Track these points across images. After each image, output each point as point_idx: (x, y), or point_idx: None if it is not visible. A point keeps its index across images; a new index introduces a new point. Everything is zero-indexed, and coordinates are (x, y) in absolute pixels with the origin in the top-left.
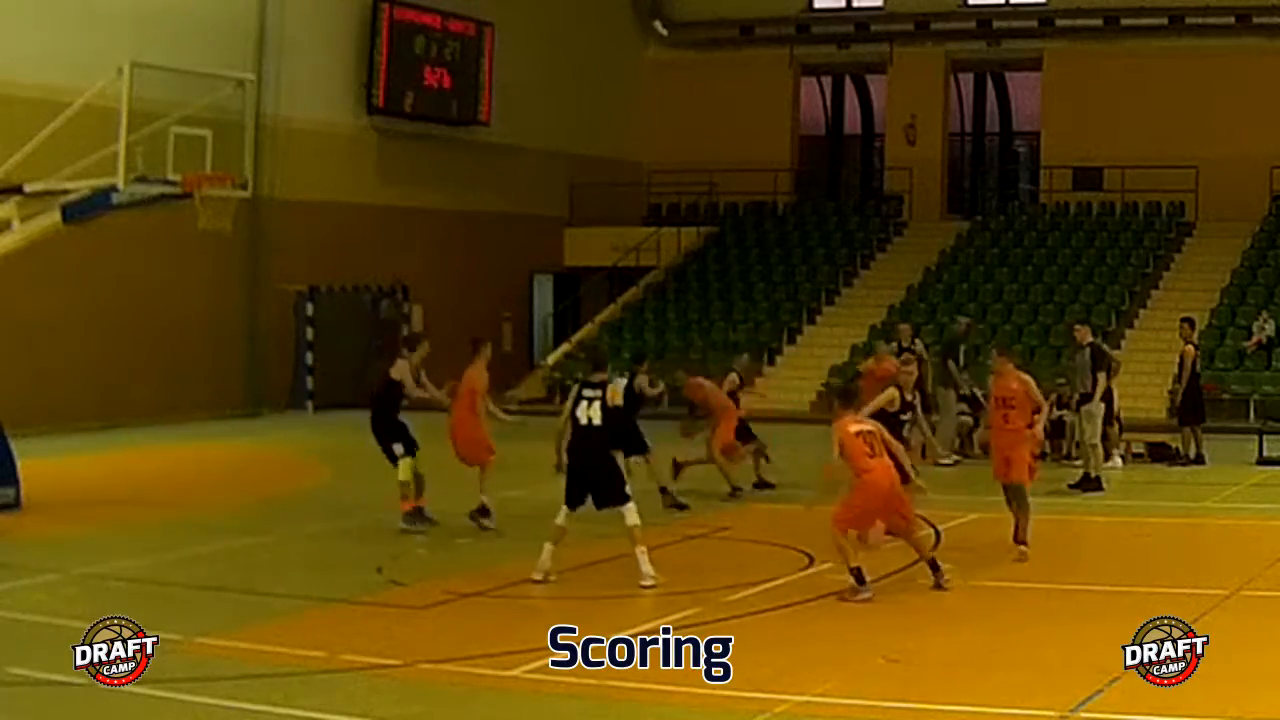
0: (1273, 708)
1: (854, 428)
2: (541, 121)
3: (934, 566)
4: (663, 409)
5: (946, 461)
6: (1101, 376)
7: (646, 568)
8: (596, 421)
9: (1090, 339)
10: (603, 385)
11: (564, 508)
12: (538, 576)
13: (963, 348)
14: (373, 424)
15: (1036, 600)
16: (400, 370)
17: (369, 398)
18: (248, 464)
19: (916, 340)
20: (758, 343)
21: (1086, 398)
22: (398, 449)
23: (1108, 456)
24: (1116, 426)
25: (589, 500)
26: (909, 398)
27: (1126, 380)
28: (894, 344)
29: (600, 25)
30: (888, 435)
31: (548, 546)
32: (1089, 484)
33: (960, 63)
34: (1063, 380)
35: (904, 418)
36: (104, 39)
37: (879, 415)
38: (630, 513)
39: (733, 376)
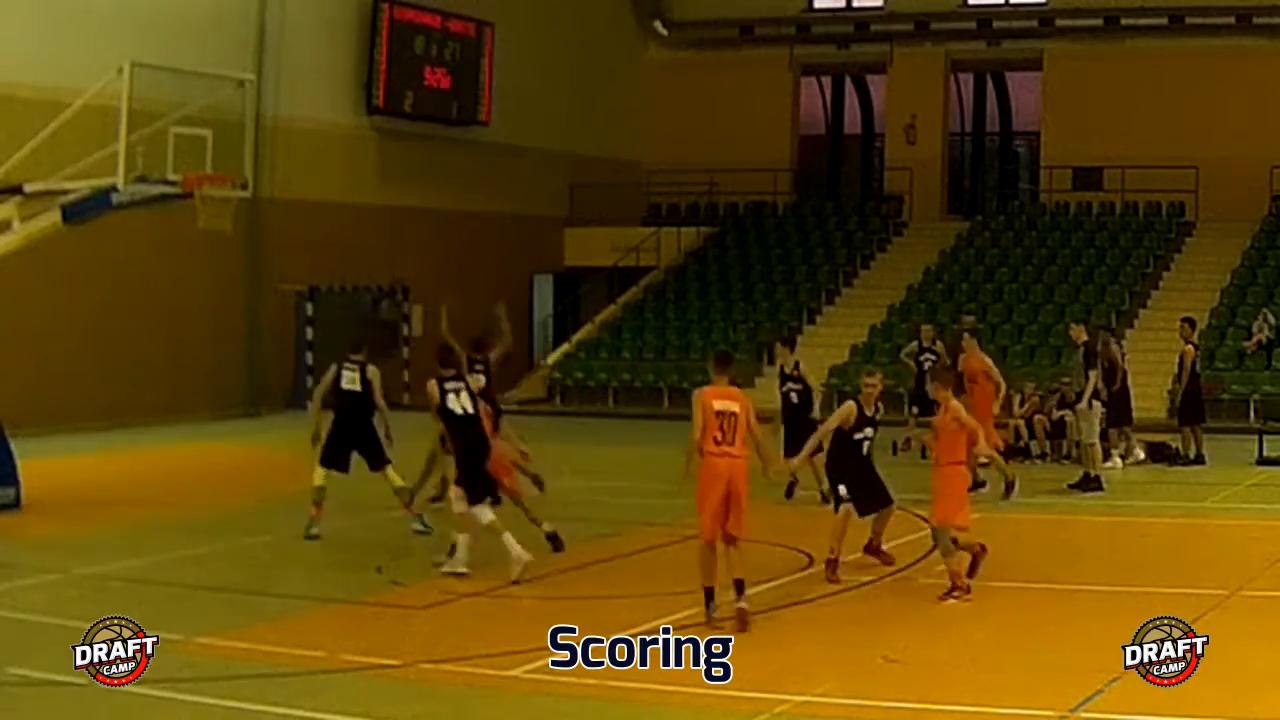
0: (1273, 708)
1: (716, 403)
2: (541, 121)
3: (739, 588)
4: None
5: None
6: (1094, 375)
7: (517, 550)
8: (471, 410)
9: (1085, 338)
10: (459, 377)
11: (462, 493)
12: (463, 570)
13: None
14: (361, 427)
15: (1036, 600)
16: (375, 374)
17: (354, 398)
18: (248, 464)
19: (939, 341)
20: (758, 343)
21: (1080, 397)
22: (389, 454)
23: (1107, 456)
24: (1119, 428)
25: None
26: (869, 412)
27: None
28: (914, 343)
29: (600, 25)
30: (753, 421)
31: (464, 539)
32: (1089, 484)
33: (960, 63)
34: (1066, 380)
35: (859, 436)
36: (104, 39)
37: (836, 434)
38: (486, 511)
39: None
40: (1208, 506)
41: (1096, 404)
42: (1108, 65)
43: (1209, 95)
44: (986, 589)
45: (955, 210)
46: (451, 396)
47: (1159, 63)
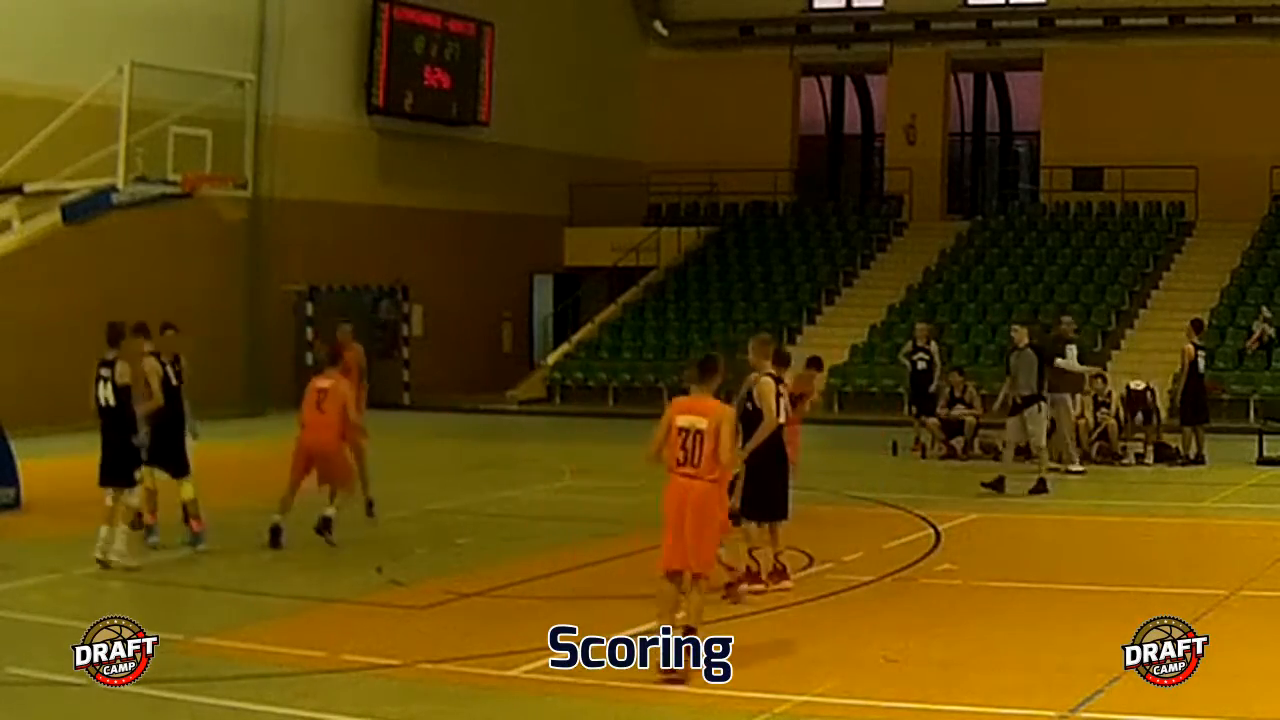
0: (1273, 708)
1: (680, 418)
2: (541, 121)
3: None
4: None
5: (1076, 469)
6: (1047, 377)
7: (120, 545)
8: (112, 402)
9: (1025, 342)
10: (113, 364)
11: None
12: (128, 561)
13: (1074, 348)
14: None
15: (1036, 600)
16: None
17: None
18: (248, 464)
19: (934, 342)
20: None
21: (1030, 400)
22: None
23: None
24: (1154, 422)
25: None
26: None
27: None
28: (910, 341)
29: (600, 25)
30: (726, 441)
31: (124, 529)
32: (1038, 487)
33: (960, 63)
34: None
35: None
36: (104, 39)
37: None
38: (110, 493)
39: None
40: (1208, 506)
41: (1046, 406)
42: (1108, 65)
43: (1209, 95)
44: (987, 589)
45: (955, 210)
46: (101, 384)
47: (1159, 63)
